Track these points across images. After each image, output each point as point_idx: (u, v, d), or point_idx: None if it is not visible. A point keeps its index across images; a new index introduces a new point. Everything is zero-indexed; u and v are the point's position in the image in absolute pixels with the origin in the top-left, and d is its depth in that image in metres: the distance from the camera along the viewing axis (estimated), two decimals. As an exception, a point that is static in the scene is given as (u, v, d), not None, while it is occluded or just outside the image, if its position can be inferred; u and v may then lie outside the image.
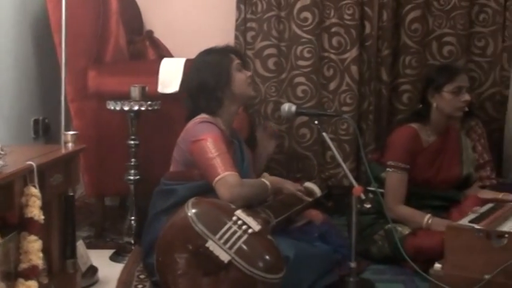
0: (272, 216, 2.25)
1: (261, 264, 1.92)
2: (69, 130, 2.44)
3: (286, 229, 2.39)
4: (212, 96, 2.43)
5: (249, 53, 3.52)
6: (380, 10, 3.47)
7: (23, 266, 1.71)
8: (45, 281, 1.89)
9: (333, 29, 3.46)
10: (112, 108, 2.70)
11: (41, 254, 1.75)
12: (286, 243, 2.12)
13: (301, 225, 2.51)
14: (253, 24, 3.52)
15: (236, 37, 3.53)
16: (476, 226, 2.15)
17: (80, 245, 2.34)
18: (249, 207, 2.16)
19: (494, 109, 3.60)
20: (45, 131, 3.26)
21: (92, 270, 2.42)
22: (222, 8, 3.67)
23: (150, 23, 3.72)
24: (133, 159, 2.75)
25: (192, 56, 2.61)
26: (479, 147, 3.32)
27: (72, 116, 2.94)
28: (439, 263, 2.20)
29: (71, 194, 2.13)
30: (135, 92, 2.71)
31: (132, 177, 2.75)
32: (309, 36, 3.44)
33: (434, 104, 2.78)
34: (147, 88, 2.75)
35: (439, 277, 2.16)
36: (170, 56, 3.42)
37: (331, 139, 3.05)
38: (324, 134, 2.47)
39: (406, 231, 2.62)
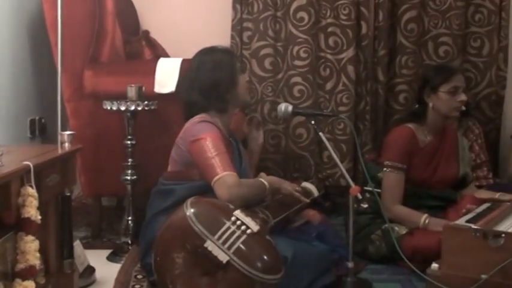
0: (270, 216, 2.25)
1: (259, 264, 1.92)
2: (66, 130, 2.43)
3: (284, 229, 2.39)
4: (223, 96, 2.43)
5: (246, 53, 3.52)
6: (376, 10, 3.48)
7: (20, 266, 1.71)
8: (42, 281, 1.88)
9: (329, 29, 3.46)
10: (108, 108, 2.69)
11: (38, 254, 1.74)
12: (284, 243, 2.12)
13: (299, 225, 2.51)
14: (250, 24, 3.52)
15: (232, 37, 3.53)
16: (473, 226, 2.15)
17: (77, 245, 2.33)
18: (248, 207, 2.16)
19: (490, 109, 3.61)
20: (41, 131, 3.24)
21: (89, 270, 2.41)
22: (218, 8, 3.67)
23: (147, 23, 3.72)
24: (130, 159, 2.75)
25: (189, 56, 2.61)
26: (476, 147, 3.33)
27: (68, 116, 2.93)
28: (436, 263, 2.20)
29: (68, 194, 2.12)
30: (131, 92, 2.71)
31: (129, 177, 2.75)
32: (305, 36, 3.44)
33: (431, 104, 2.79)
34: (143, 88, 2.75)
35: (436, 277, 2.17)
36: (166, 56, 3.42)
37: (328, 139, 3.06)
38: (321, 134, 2.47)
39: (403, 231, 2.62)
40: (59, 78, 2.78)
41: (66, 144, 2.15)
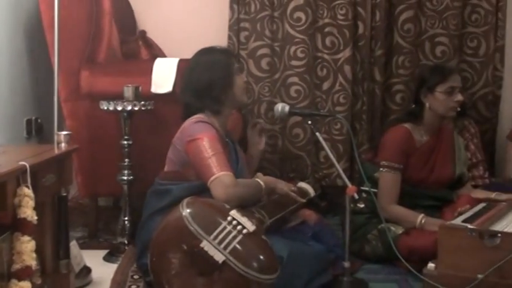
0: (266, 216, 2.25)
1: (255, 264, 1.92)
2: (62, 130, 2.43)
3: (280, 229, 2.39)
4: (218, 97, 2.43)
5: (243, 53, 3.52)
6: (373, 10, 3.48)
7: (16, 266, 1.70)
8: (38, 281, 1.88)
9: (326, 29, 3.46)
10: (105, 108, 2.69)
11: (34, 255, 1.74)
12: (280, 243, 2.12)
13: (295, 225, 2.51)
14: (247, 24, 3.52)
15: (229, 37, 3.53)
16: (469, 226, 2.16)
17: (74, 245, 2.33)
18: (244, 207, 2.16)
19: (486, 109, 3.62)
20: (38, 131, 3.24)
21: (86, 270, 2.41)
22: (215, 8, 3.66)
23: (143, 23, 3.71)
24: (126, 160, 2.75)
25: (186, 56, 2.61)
26: (472, 146, 3.34)
27: (65, 116, 2.93)
28: (433, 263, 2.21)
29: (64, 194, 2.12)
30: (128, 92, 2.71)
31: (125, 178, 2.75)
32: (302, 36, 3.44)
33: (427, 104, 2.79)
34: (140, 88, 2.75)
35: (433, 276, 2.17)
36: (163, 56, 3.41)
37: (325, 139, 3.06)
38: (318, 134, 2.47)
39: (399, 230, 2.63)
40: (56, 78, 2.79)
41: (63, 145, 2.15)
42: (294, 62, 3.45)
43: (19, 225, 1.71)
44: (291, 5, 3.44)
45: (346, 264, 2.31)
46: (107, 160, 2.90)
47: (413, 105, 2.88)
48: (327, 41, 3.47)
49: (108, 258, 2.72)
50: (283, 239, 2.23)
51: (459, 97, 2.75)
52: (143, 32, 3.52)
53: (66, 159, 2.11)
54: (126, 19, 3.59)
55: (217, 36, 3.38)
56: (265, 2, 3.48)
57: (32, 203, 1.72)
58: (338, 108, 3.46)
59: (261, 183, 2.33)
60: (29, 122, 3.17)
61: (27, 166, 1.72)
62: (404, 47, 3.52)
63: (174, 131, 2.44)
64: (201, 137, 2.27)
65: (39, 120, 3.25)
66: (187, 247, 1.97)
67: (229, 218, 2.01)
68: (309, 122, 2.52)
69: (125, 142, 2.73)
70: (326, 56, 3.48)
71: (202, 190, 2.21)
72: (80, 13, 2.92)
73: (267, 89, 3.53)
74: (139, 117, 2.78)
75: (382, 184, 2.75)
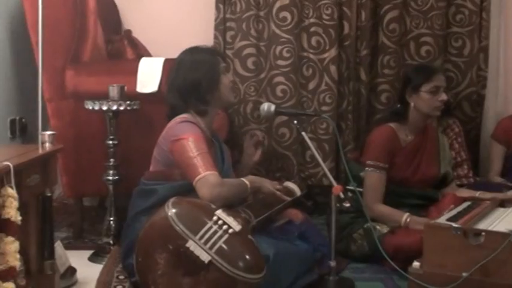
0: (252, 216, 2.25)
1: (241, 264, 1.92)
2: (47, 130, 2.41)
3: (266, 228, 2.39)
4: (203, 97, 2.42)
5: (228, 52, 3.51)
6: (358, 10, 3.49)
7: (0, 267, 1.69)
8: (22, 282, 1.86)
9: (312, 29, 3.47)
10: (90, 108, 2.68)
11: (18, 256, 1.72)
12: (266, 243, 2.13)
13: (281, 224, 2.51)
14: (232, 24, 3.52)
15: (215, 37, 3.52)
16: (454, 224, 2.17)
17: (58, 245, 2.31)
18: (230, 206, 2.15)
19: (471, 109, 3.64)
20: (22, 131, 3.22)
21: (71, 271, 2.40)
22: (201, 8, 3.66)
23: (129, 23, 3.70)
24: (112, 159, 2.74)
25: (171, 55, 2.60)
26: (457, 145, 3.36)
27: (49, 116, 2.91)
28: (418, 261, 2.22)
29: (49, 194, 2.10)
30: (113, 91, 2.70)
31: (110, 178, 2.74)
32: (288, 36, 3.45)
33: (412, 104, 2.81)
34: (125, 88, 2.73)
35: (418, 275, 2.18)
36: (149, 55, 3.40)
37: (311, 138, 3.07)
38: (303, 133, 2.47)
39: (384, 229, 2.64)
40: (40, 77, 2.76)
41: (47, 144, 2.13)
42: (280, 62, 3.45)
43: (3, 226, 1.69)
44: (277, 5, 3.44)
45: (332, 263, 2.31)
46: (92, 160, 2.88)
47: (398, 105, 2.89)
48: (313, 41, 3.48)
49: (93, 259, 2.71)
50: (269, 238, 2.23)
51: (443, 96, 2.77)
52: (128, 32, 3.51)
53: (50, 159, 2.10)
54: (111, 18, 3.57)
55: (203, 35, 3.37)
56: (251, 2, 3.48)
57: (15, 204, 1.70)
58: (324, 108, 3.47)
59: (247, 182, 2.33)
60: (13, 121, 3.15)
61: (11, 166, 1.70)
62: (390, 47, 3.54)
63: (160, 131, 2.44)
64: (186, 137, 2.26)
65: (23, 120, 3.23)
66: (173, 247, 1.96)
67: (215, 218, 2.00)
68: (295, 122, 2.52)
69: (110, 142, 2.72)
70: (312, 56, 3.49)
71: (187, 190, 2.21)
72: (65, 12, 2.91)
73: (252, 88, 3.53)
74: (125, 117, 2.77)
75: (368, 183, 2.76)
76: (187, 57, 2.47)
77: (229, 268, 1.90)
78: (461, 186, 3.16)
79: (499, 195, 2.74)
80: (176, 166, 2.31)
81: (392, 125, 2.83)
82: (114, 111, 2.67)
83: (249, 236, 2.04)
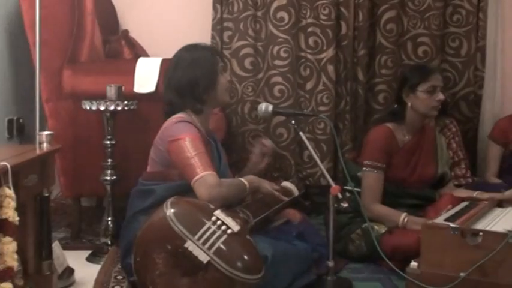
0: (251, 216, 2.24)
1: (239, 264, 1.91)
2: (44, 130, 2.41)
3: (264, 229, 2.39)
4: (200, 96, 2.40)
5: (226, 52, 3.52)
6: (356, 10, 3.50)
7: (-2, 268, 1.69)
8: (20, 282, 1.86)
9: (309, 29, 3.47)
10: (88, 108, 2.67)
11: (16, 256, 1.72)
12: (264, 243, 2.12)
13: (279, 224, 2.51)
14: (230, 24, 3.52)
15: (213, 37, 3.53)
16: (452, 224, 2.17)
17: (56, 246, 2.31)
18: (228, 207, 2.15)
19: (468, 109, 3.65)
20: (19, 131, 3.22)
21: (68, 271, 2.39)
22: (199, 8, 3.66)
23: (126, 23, 3.70)
24: (109, 160, 2.73)
25: (169, 55, 2.59)
26: (454, 144, 3.37)
27: (47, 116, 2.91)
28: (415, 261, 2.21)
29: (47, 194, 2.10)
30: (110, 91, 2.69)
31: (108, 178, 2.73)
32: (285, 36, 3.45)
33: (409, 104, 2.81)
34: (123, 88, 2.73)
35: (416, 275, 2.18)
36: (146, 55, 3.40)
37: (308, 139, 3.07)
38: (301, 133, 2.47)
39: (382, 230, 2.64)
40: (37, 78, 2.77)
41: (45, 145, 2.13)
42: (277, 62, 3.46)
43: (0, 226, 1.69)
44: (274, 5, 3.44)
45: (330, 263, 2.31)
46: (89, 160, 2.88)
47: (396, 105, 2.89)
48: (310, 41, 3.48)
49: (91, 259, 2.70)
50: (268, 238, 2.23)
51: (440, 96, 2.77)
52: (126, 32, 3.50)
53: (48, 160, 2.10)
54: (108, 18, 3.57)
55: (200, 35, 3.37)
56: (249, 2, 3.48)
57: (13, 204, 1.70)
58: (321, 108, 3.47)
59: (245, 182, 2.33)
60: (10, 122, 3.15)
61: (9, 166, 1.70)
62: (387, 47, 3.55)
63: (157, 131, 2.43)
64: (182, 137, 2.25)
65: (20, 120, 3.23)
66: (171, 247, 1.96)
67: (213, 218, 2.00)
68: (293, 122, 2.52)
69: (108, 142, 2.72)
70: (309, 56, 3.49)
71: (185, 190, 2.20)
72: (62, 12, 2.91)
73: (250, 88, 3.53)
74: (122, 117, 2.77)
75: (365, 183, 2.76)
76: (186, 55, 2.44)
77: (228, 269, 1.90)
78: (459, 186, 3.17)
79: (497, 196, 2.74)
80: (174, 166, 2.30)
81: (389, 125, 2.83)
82: (111, 112, 2.67)
83: (248, 237, 2.04)
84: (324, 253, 2.39)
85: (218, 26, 3.52)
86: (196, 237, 1.94)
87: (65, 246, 2.61)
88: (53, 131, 2.35)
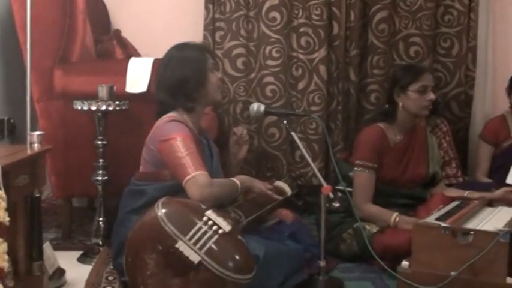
0: (242, 216, 2.25)
1: (231, 264, 1.91)
2: (35, 130, 2.40)
3: (256, 228, 2.39)
4: (190, 94, 2.40)
5: (218, 52, 3.52)
6: (347, 10, 3.51)
7: (-12, 269, 1.68)
8: (11, 283, 1.86)
9: (301, 29, 3.48)
10: (79, 108, 2.67)
11: (6, 257, 1.72)
12: (255, 242, 2.12)
13: (271, 224, 2.51)
14: (222, 24, 3.52)
15: (205, 37, 3.52)
16: (443, 224, 2.18)
17: (47, 246, 2.30)
18: (220, 206, 2.15)
19: (459, 108, 3.67)
20: (10, 131, 3.19)
21: (59, 272, 2.38)
22: (191, 8, 3.66)
23: (118, 22, 3.69)
24: (101, 160, 2.72)
25: (160, 55, 2.59)
26: (445, 144, 3.39)
27: (38, 116, 2.90)
28: (407, 261, 2.23)
29: (37, 195, 2.09)
30: (102, 91, 2.69)
31: (99, 178, 2.73)
32: (277, 36, 3.45)
33: (400, 104, 2.82)
34: (114, 88, 2.73)
35: (407, 274, 2.19)
36: (138, 55, 3.39)
37: (300, 139, 3.07)
38: (293, 133, 2.48)
39: (374, 229, 2.65)
40: (28, 78, 2.75)
41: (36, 145, 2.12)
42: (270, 62, 3.46)
43: (-9, 227, 1.69)
44: (266, 5, 3.45)
45: (322, 263, 2.31)
46: (81, 160, 2.87)
47: (387, 105, 2.90)
48: (302, 41, 3.48)
49: (82, 260, 2.69)
50: (260, 238, 2.23)
51: (431, 96, 2.78)
52: (117, 31, 3.49)
53: (39, 160, 2.09)
54: (100, 18, 3.56)
55: (192, 35, 3.36)
56: (241, 2, 3.49)
57: (4, 204, 1.70)
58: (313, 108, 3.48)
59: (237, 182, 2.33)
60: (1, 122, 3.12)
61: (-1, 167, 1.70)
62: (379, 47, 3.56)
63: (149, 131, 2.42)
64: (174, 137, 2.25)
65: (11, 121, 3.20)
66: (162, 247, 1.96)
67: (204, 218, 2.00)
68: (285, 122, 2.52)
69: (99, 142, 2.71)
70: (301, 56, 3.49)
71: (177, 190, 2.20)
72: (53, 12, 2.89)
73: (242, 88, 3.53)
74: (114, 117, 2.76)
75: (357, 183, 2.77)
76: (176, 54, 2.45)
77: (219, 269, 1.90)
78: (450, 185, 3.18)
79: (487, 195, 2.76)
80: (165, 166, 2.30)
81: (381, 124, 2.84)
82: (103, 112, 2.66)
83: (239, 237, 2.04)
84: (315, 253, 2.40)
85: (210, 26, 3.52)
86: (188, 237, 1.94)
87: (56, 247, 2.60)
88: (44, 131, 2.34)
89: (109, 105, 2.64)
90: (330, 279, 2.40)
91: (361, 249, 2.60)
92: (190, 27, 3.60)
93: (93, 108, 2.64)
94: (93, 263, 2.59)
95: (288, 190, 2.84)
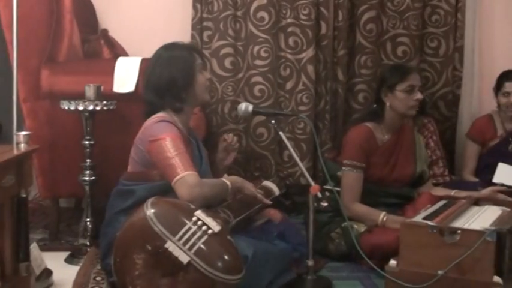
0: (231, 216, 2.25)
1: (220, 265, 1.91)
2: (22, 130, 2.38)
3: (245, 228, 2.39)
4: (178, 94, 2.39)
5: (206, 52, 3.51)
6: (335, 10, 3.52)
7: (-25, 270, 1.67)
8: (-3, 285, 1.84)
9: (289, 29, 3.48)
10: (66, 108, 2.65)
11: (-7, 258, 1.71)
12: (244, 242, 2.12)
13: (260, 224, 2.51)
14: (210, 24, 3.52)
15: (192, 36, 3.52)
16: (430, 223, 2.19)
17: (34, 247, 2.29)
18: (209, 207, 2.15)
19: (446, 108, 3.69)
20: (-4, 131, 3.18)
21: (47, 273, 2.37)
22: (178, 7, 3.65)
23: (105, 22, 3.67)
24: (88, 160, 2.71)
25: (148, 55, 2.58)
26: (432, 143, 3.40)
27: (24, 116, 2.87)
28: (394, 260, 2.23)
29: (24, 195, 2.07)
30: (89, 91, 2.67)
31: (87, 178, 2.71)
32: (265, 36, 3.45)
33: (388, 103, 2.83)
34: (102, 87, 2.71)
35: (395, 273, 2.20)
36: (125, 55, 3.38)
37: (288, 138, 3.08)
38: (281, 133, 2.48)
39: (362, 228, 2.66)
40: (15, 77, 2.73)
41: (22, 145, 2.10)
42: (258, 62, 3.46)
43: (-23, 228, 1.67)
44: (254, 5, 3.45)
45: (310, 262, 2.32)
46: (68, 160, 2.86)
47: (375, 105, 2.91)
48: (290, 41, 3.49)
49: (69, 260, 2.68)
50: (248, 238, 2.23)
51: (419, 95, 2.79)
52: (105, 31, 3.48)
53: (25, 160, 2.07)
54: (87, 17, 3.54)
55: (180, 35, 3.36)
56: (229, 2, 3.49)
57: (-10, 205, 1.68)
58: (301, 108, 3.48)
59: (227, 183, 2.32)
60: (-13, 122, 3.11)
61: (-15, 167, 1.68)
62: (367, 47, 3.57)
63: (137, 131, 2.41)
64: (163, 137, 2.24)
65: (-3, 120, 3.19)
66: (151, 248, 1.95)
67: (194, 219, 1.99)
68: (273, 122, 2.52)
69: (87, 142, 2.70)
70: (289, 56, 3.50)
71: (166, 190, 2.19)
72: (40, 11, 2.87)
73: (230, 88, 3.53)
74: (101, 117, 2.75)
75: (345, 183, 2.78)
76: (164, 54, 2.44)
77: (208, 269, 1.90)
78: (437, 185, 3.19)
79: (474, 194, 2.78)
80: (154, 166, 2.29)
81: (369, 124, 2.85)
82: (90, 111, 2.65)
83: (228, 237, 2.03)
84: (304, 252, 2.40)
85: (198, 26, 3.52)
86: (177, 237, 1.93)
87: (43, 248, 2.58)
88: (30, 131, 2.32)
89: (96, 105, 2.63)
90: (319, 278, 2.41)
91: (349, 249, 2.61)
92: (178, 27, 3.59)
93: (81, 108, 2.62)
94: (80, 264, 2.58)
95: (276, 190, 2.84)
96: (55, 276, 2.41)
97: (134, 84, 2.83)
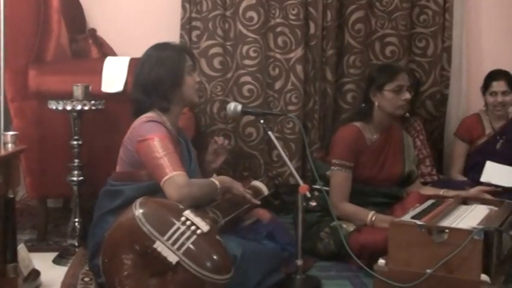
0: (220, 216, 2.24)
1: (209, 265, 1.91)
2: (9, 130, 2.37)
3: (234, 228, 2.39)
4: (165, 95, 2.38)
5: (195, 52, 3.49)
6: (324, 10, 3.52)
7: (-39, 271, 1.66)
8: (-16, 286, 1.83)
9: (278, 29, 3.48)
10: (54, 107, 2.64)
11: (-20, 259, 1.70)
12: (233, 242, 2.12)
13: (249, 224, 2.51)
14: (198, 23, 3.51)
15: (181, 36, 3.51)
16: (418, 222, 2.20)
17: (22, 248, 2.27)
18: (198, 207, 2.14)
19: (434, 108, 3.71)
20: (-17, 131, 3.15)
21: (34, 274, 2.35)
22: (167, 7, 3.64)
23: (93, 21, 3.66)
24: (76, 160, 2.70)
25: (137, 55, 2.58)
26: (418, 142, 3.42)
27: (12, 116, 2.86)
28: (383, 259, 2.24)
29: (12, 196, 2.06)
30: (77, 91, 2.66)
31: (75, 178, 2.70)
32: (254, 36, 3.45)
33: (376, 103, 2.84)
34: (90, 87, 2.70)
35: (383, 272, 2.21)
36: (114, 54, 3.37)
37: (277, 138, 3.09)
38: (270, 133, 2.48)
39: (350, 228, 2.66)
40: (2, 77, 2.73)
41: (10, 145, 2.09)
42: (247, 61, 3.46)
43: (-36, 229, 1.66)
44: (243, 5, 3.45)
45: (299, 262, 2.32)
46: (56, 161, 2.84)
47: (363, 104, 2.92)
48: (279, 41, 3.49)
49: (57, 261, 2.66)
50: (237, 238, 2.23)
51: (407, 95, 2.81)
52: (93, 30, 3.47)
53: (13, 160, 2.06)
54: (75, 17, 3.52)
55: (169, 35, 3.35)
56: (217, 1, 3.48)
57: (-23, 206, 1.67)
58: (290, 108, 3.49)
59: (216, 183, 2.32)
60: (-26, 122, 3.08)
61: (-28, 167, 1.67)
62: (355, 47, 3.58)
63: (126, 131, 2.41)
64: (151, 137, 2.24)
65: (-15, 121, 3.17)
66: (140, 248, 1.94)
67: (182, 219, 1.99)
68: (262, 121, 2.52)
69: (75, 142, 2.68)
70: (278, 56, 3.50)
71: (154, 190, 2.19)
72: (27, 10, 2.85)
73: (219, 88, 3.52)
74: (90, 117, 2.74)
75: (334, 182, 2.78)
76: (154, 53, 2.43)
77: (197, 269, 1.89)
78: (425, 184, 3.21)
79: (462, 193, 2.80)
80: (143, 166, 2.28)
81: (357, 124, 2.86)
82: (78, 111, 2.64)
83: (217, 237, 2.03)
84: (293, 252, 2.40)
85: (187, 25, 3.51)
86: (166, 237, 1.93)
87: (31, 249, 2.57)
88: (18, 131, 2.31)
89: (84, 105, 2.62)
90: (307, 278, 2.41)
91: (338, 248, 2.61)
92: (166, 27, 3.58)
93: (68, 108, 2.61)
94: (68, 265, 2.57)
95: (265, 190, 2.84)
96: (43, 277, 2.39)
97: (123, 84, 2.82)
